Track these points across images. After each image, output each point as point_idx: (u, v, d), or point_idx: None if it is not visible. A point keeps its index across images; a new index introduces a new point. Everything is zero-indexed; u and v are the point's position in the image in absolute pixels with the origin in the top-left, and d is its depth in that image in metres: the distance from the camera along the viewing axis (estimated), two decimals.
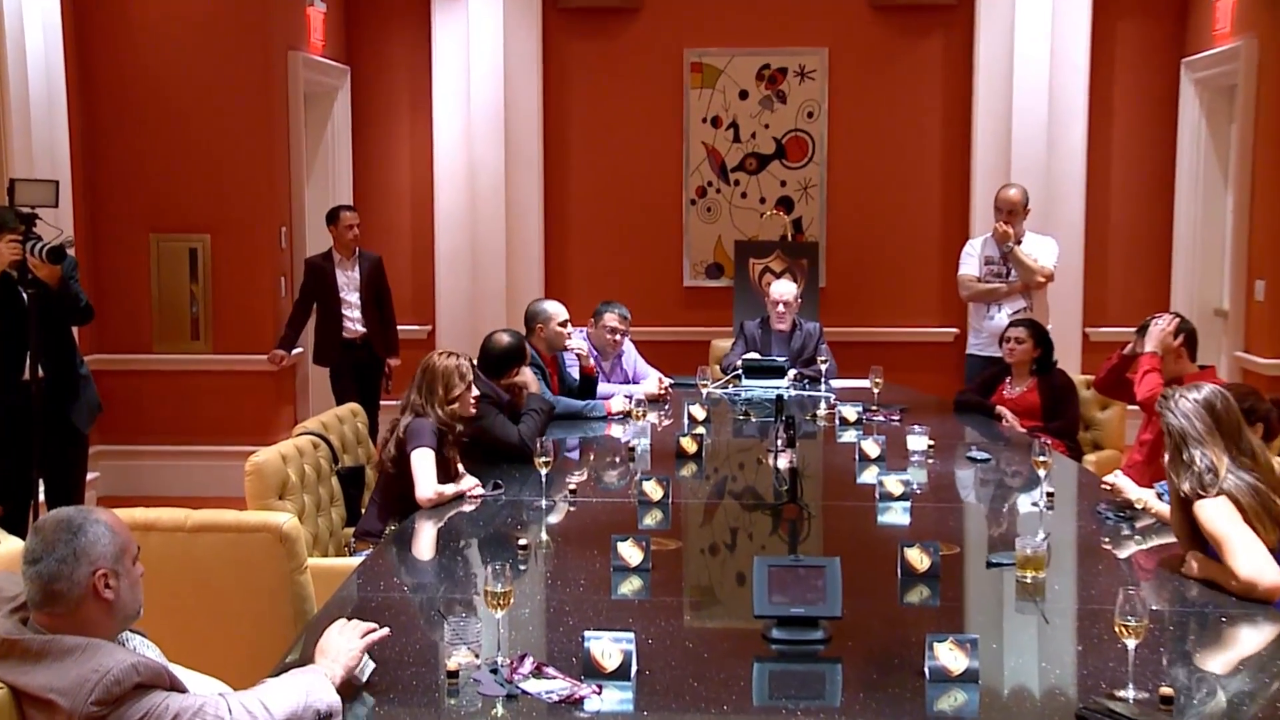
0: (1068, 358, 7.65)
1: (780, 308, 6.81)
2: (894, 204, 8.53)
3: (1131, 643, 2.51)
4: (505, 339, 5.01)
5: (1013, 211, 6.56)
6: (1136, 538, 3.70)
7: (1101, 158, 8.37)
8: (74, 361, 5.14)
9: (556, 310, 5.85)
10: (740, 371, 6.54)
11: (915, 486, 4.24)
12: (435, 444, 4.15)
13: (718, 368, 6.90)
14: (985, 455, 4.84)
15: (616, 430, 5.50)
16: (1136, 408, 5.17)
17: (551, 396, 5.57)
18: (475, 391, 4.40)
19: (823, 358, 6.58)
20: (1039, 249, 6.63)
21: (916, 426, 4.87)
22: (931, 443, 4.85)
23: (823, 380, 6.52)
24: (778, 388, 6.27)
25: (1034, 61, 8.00)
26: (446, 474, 4.21)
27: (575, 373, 6.03)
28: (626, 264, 8.61)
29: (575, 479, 4.52)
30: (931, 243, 8.53)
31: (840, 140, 8.54)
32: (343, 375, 7.15)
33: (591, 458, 5.09)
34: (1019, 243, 6.59)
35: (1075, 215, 8.15)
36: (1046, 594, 3.14)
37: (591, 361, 5.99)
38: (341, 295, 7.12)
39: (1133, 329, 5.26)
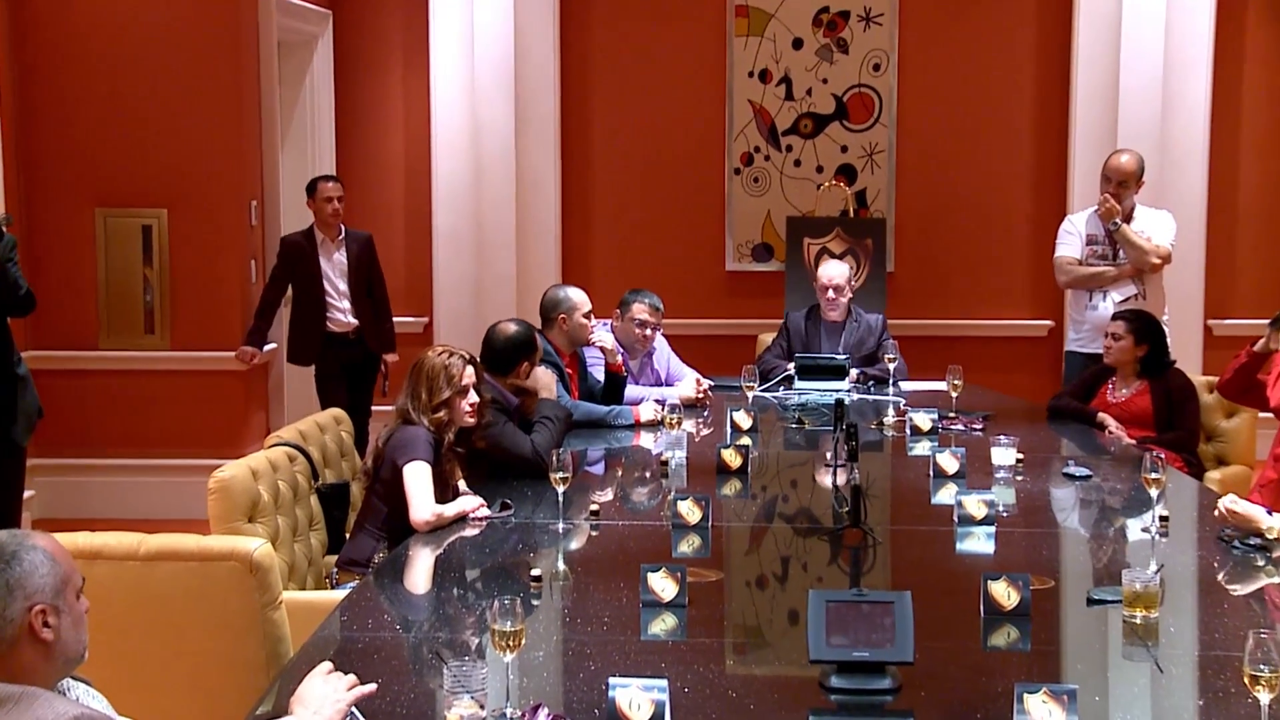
0: (1186, 355, 7.59)
1: (830, 294, 6.80)
2: (977, 173, 8.49)
3: (1265, 696, 2.49)
4: (511, 328, 5.03)
5: (1123, 182, 6.52)
6: (1269, 570, 3.66)
7: (1228, 118, 8.31)
8: (10, 359, 5.17)
9: (580, 299, 5.86)
10: (792, 372, 6.54)
11: (1001, 508, 4.22)
12: (432, 457, 4.16)
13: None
14: (1085, 471, 4.81)
15: (646, 440, 5.50)
16: (1270, 415, 5.12)
17: (571, 401, 5.59)
18: (473, 397, 4.40)
19: (890, 355, 6.56)
20: (1152, 225, 6.59)
21: (1003, 437, 4.85)
22: (1020, 456, 4.83)
23: (890, 382, 6.51)
24: (837, 391, 6.26)
25: (1146, 1, 7.95)
26: (445, 492, 4.22)
27: (599, 373, 6.04)
28: (658, 245, 8.61)
29: (598, 498, 4.52)
30: (1022, 219, 8.49)
31: (912, 97, 8.51)
32: (330, 375, 7.21)
33: (619, 473, 5.10)
34: (1128, 219, 6.55)
35: (1196, 186, 8.09)
36: (1160, 637, 3.12)
37: (620, 359, 5.99)
38: (326, 282, 7.17)
39: (1264, 321, 5.22)
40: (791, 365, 6.64)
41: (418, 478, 4.10)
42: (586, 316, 5.86)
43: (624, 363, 6.14)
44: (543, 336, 5.73)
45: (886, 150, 8.52)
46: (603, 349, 5.94)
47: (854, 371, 6.58)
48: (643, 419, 5.68)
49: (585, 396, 5.86)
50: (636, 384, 6.25)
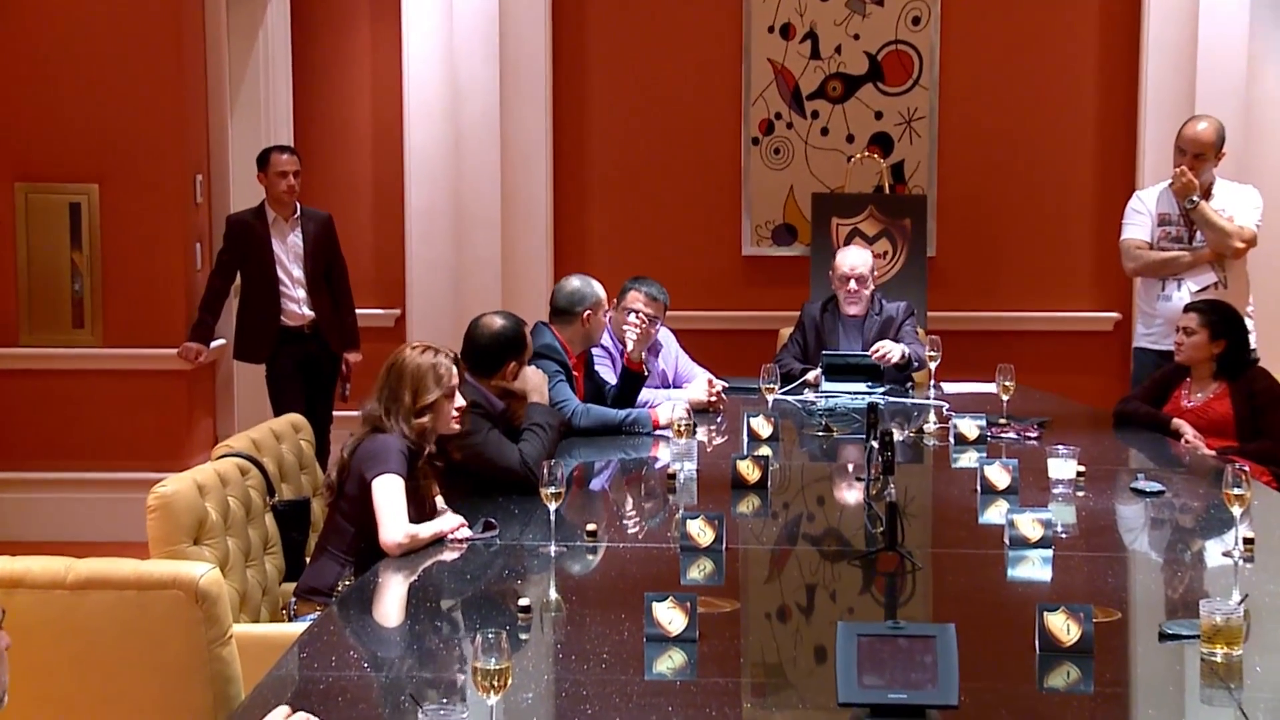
0: (1274, 353, 7.58)
1: (851, 284, 6.81)
2: (1032, 142, 8.50)
3: None
4: (498, 322, 5.03)
5: (1201, 154, 6.52)
6: None
7: None
8: None
9: (604, 293, 5.91)
10: (818, 371, 6.56)
11: (1059, 529, 4.23)
12: (406, 469, 4.16)
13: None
14: (1157, 486, 4.81)
15: (655, 450, 5.53)
16: None
17: (580, 405, 5.63)
18: (459, 401, 4.41)
19: (914, 342, 6.57)
20: (1235, 203, 6.59)
21: (1061, 447, 4.85)
22: (1082, 469, 4.83)
23: (911, 365, 6.55)
24: (870, 393, 6.26)
25: None
26: (420, 510, 4.22)
27: (608, 373, 6.06)
28: (665, 226, 8.62)
29: (595, 517, 4.52)
30: (1085, 195, 8.49)
31: (957, 55, 8.52)
32: (285, 376, 7.23)
33: (620, 489, 5.11)
34: (1206, 195, 6.55)
35: None
36: (1244, 678, 3.11)
37: (635, 351, 5.95)
38: (279, 268, 7.20)
39: None
40: (802, 368, 6.66)
41: (389, 493, 4.10)
42: (607, 313, 5.91)
43: (612, 360, 6.14)
44: (550, 330, 5.74)
45: (927, 116, 8.52)
46: (623, 335, 5.96)
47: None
48: (662, 422, 5.70)
49: (591, 398, 5.88)
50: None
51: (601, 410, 5.74)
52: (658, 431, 5.71)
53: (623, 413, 5.76)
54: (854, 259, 6.86)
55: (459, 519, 4.23)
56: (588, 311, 5.81)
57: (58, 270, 7.35)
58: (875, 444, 4.44)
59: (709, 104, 8.60)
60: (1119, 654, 3.31)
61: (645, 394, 6.11)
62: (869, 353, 6.53)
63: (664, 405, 5.78)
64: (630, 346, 5.97)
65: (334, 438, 7.22)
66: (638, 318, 6.08)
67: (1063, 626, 3.20)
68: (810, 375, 6.60)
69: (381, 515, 4.07)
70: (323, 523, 4.45)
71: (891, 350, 6.52)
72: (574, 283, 5.91)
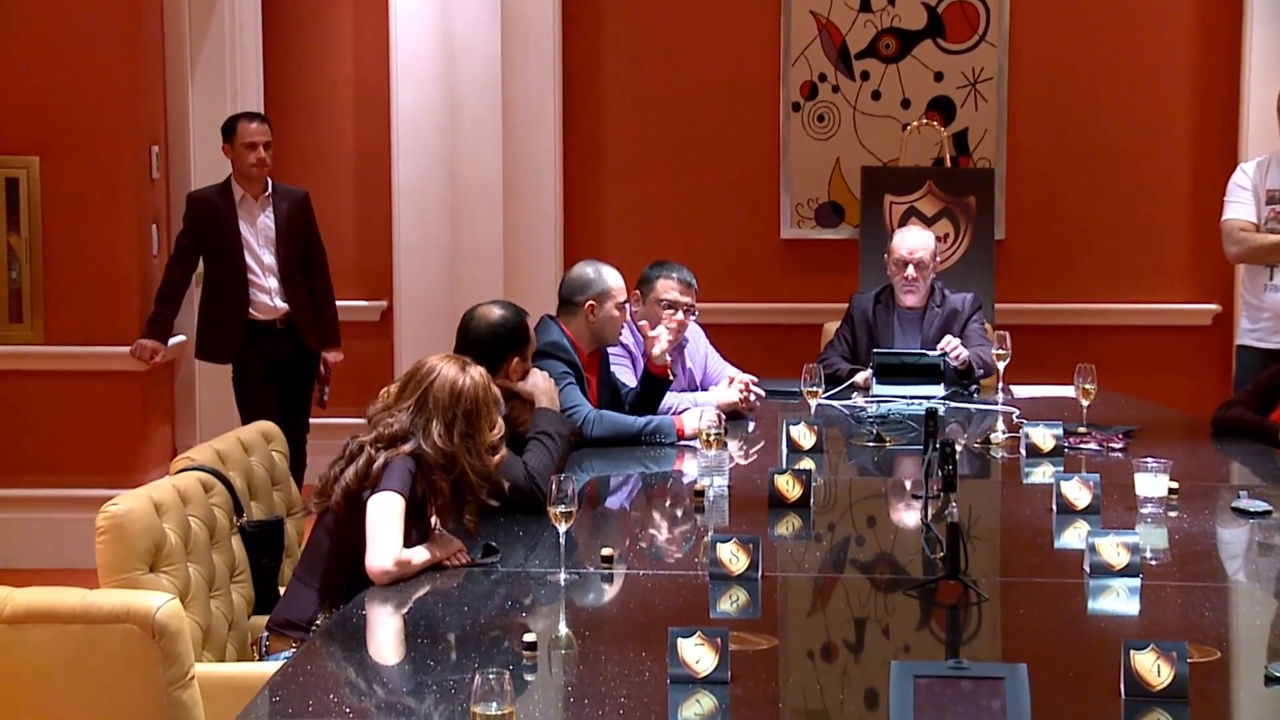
0: None
1: (909, 271, 6.82)
2: (1116, 107, 8.49)
3: None
4: (496, 313, 5.05)
5: None
6: None
7: None
8: None
9: (618, 285, 5.88)
10: (869, 372, 6.57)
11: (1149, 554, 4.22)
12: (409, 488, 4.18)
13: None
14: (1263, 506, 4.79)
15: (679, 463, 5.53)
16: None
17: (594, 412, 5.64)
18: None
19: (982, 343, 6.56)
20: None
21: (1151, 460, 4.83)
22: (1175, 485, 4.82)
23: (975, 371, 6.55)
24: (929, 397, 6.27)
25: None
26: (412, 534, 4.21)
27: (626, 375, 6.08)
28: (691, 205, 8.63)
29: (612, 540, 4.52)
30: (1178, 170, 8.48)
31: (1031, 7, 8.51)
32: (254, 378, 7.25)
33: (645, 504, 5.12)
34: None
35: None
36: None
37: (661, 352, 5.94)
38: (248, 253, 7.22)
39: None
40: (850, 368, 6.68)
41: (384, 513, 4.10)
42: (620, 308, 5.88)
43: (632, 361, 6.15)
44: (557, 325, 5.75)
45: (995, 78, 8.52)
46: (642, 327, 5.94)
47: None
48: (687, 431, 5.70)
49: (606, 404, 5.89)
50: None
51: (617, 417, 5.74)
52: (682, 442, 5.71)
53: (642, 420, 5.75)
54: (914, 241, 6.87)
55: (456, 543, 4.24)
56: (590, 302, 5.79)
57: None
58: (934, 456, 4.43)
59: (742, 64, 8.61)
60: (1218, 700, 3.30)
61: (669, 398, 6.11)
62: (932, 351, 6.53)
63: (690, 411, 5.79)
64: (657, 348, 5.92)
65: (311, 448, 7.23)
66: (675, 311, 6.08)
67: (1152, 668, 3.19)
68: (860, 376, 6.60)
69: (372, 536, 4.07)
70: (299, 546, 4.46)
71: (961, 347, 6.53)
72: (578, 270, 5.92)
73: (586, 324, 5.81)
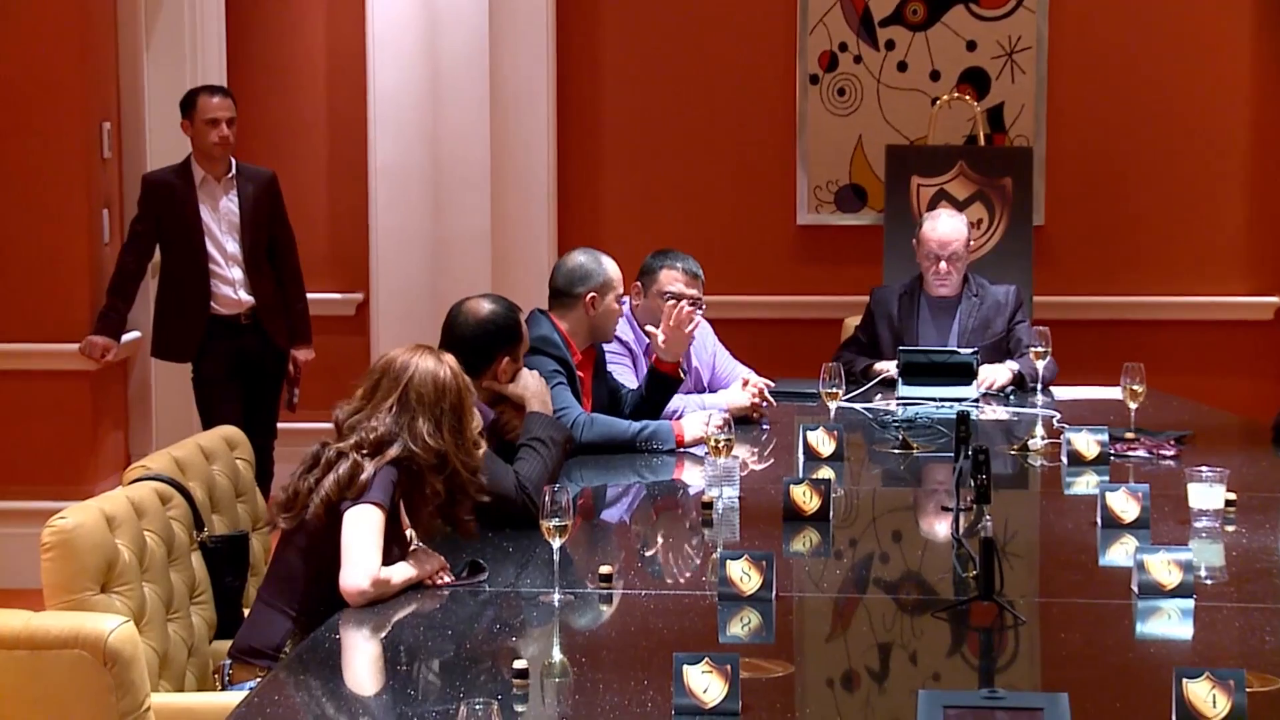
0: None
1: (942, 265, 6.82)
2: (1168, 80, 8.49)
3: None
4: (485, 308, 5.04)
5: None
6: None
7: None
8: None
9: (618, 271, 5.87)
10: (892, 372, 6.57)
11: (1203, 573, 4.22)
12: (390, 500, 4.17)
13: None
14: None
15: (693, 473, 5.51)
16: None
17: (585, 415, 5.63)
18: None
19: (1037, 345, 6.56)
20: None
21: (1205, 468, 4.83)
22: (1232, 497, 4.82)
23: (1038, 387, 6.52)
24: (961, 400, 6.26)
25: None
26: (393, 547, 4.21)
27: (625, 375, 6.07)
28: (697, 188, 8.63)
29: (611, 557, 4.51)
30: (1237, 149, 8.49)
31: None
32: (217, 379, 7.24)
33: (647, 517, 5.11)
34: None
35: None
36: None
37: (668, 347, 5.91)
38: (210, 241, 7.22)
39: None
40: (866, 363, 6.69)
41: (362, 527, 4.09)
42: (621, 299, 5.89)
43: (634, 359, 6.14)
44: (548, 319, 5.74)
45: (1034, 47, 8.51)
46: (649, 332, 5.92)
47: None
48: (687, 438, 5.69)
49: (602, 407, 5.88)
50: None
51: (610, 421, 5.72)
52: (682, 450, 5.70)
53: (638, 425, 5.74)
54: (945, 229, 6.86)
55: (439, 560, 4.23)
56: (591, 294, 5.77)
57: None
58: (966, 464, 4.42)
59: (755, 33, 8.62)
60: None
61: (679, 401, 6.11)
62: (965, 348, 6.54)
63: (691, 415, 5.79)
64: (665, 344, 5.87)
65: (279, 455, 7.23)
66: (683, 303, 6.07)
67: (1207, 697, 3.18)
68: (885, 366, 6.60)
69: (347, 552, 4.06)
70: (266, 564, 4.45)
71: (998, 376, 6.55)
72: (574, 259, 5.89)
73: (585, 318, 5.79)
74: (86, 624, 3.42)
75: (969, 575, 4.03)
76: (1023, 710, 2.80)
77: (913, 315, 6.87)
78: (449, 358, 4.39)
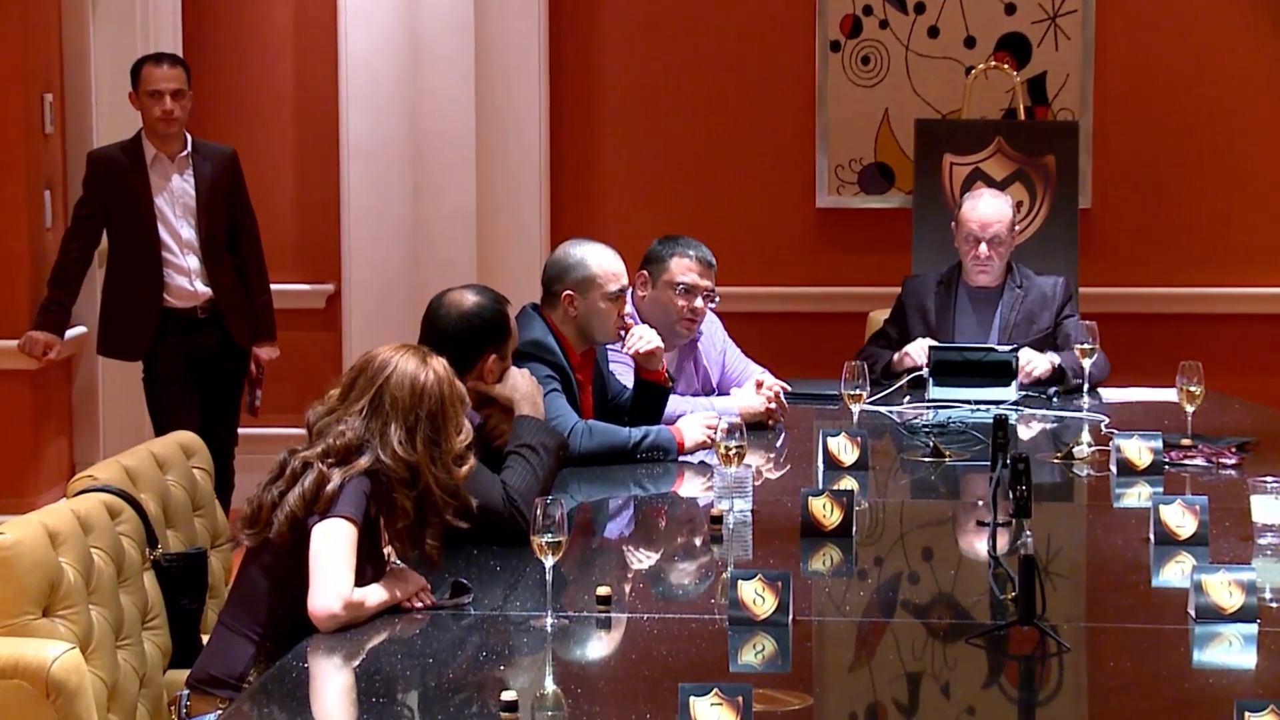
0: None
1: (982, 249, 6.82)
2: (1228, 49, 8.50)
3: None
4: (469, 300, 5.04)
5: None
6: None
7: None
8: None
9: (606, 266, 5.82)
10: (922, 371, 6.58)
11: (1268, 595, 4.22)
12: (362, 514, 4.16)
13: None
14: None
15: (694, 484, 5.53)
16: None
17: (580, 423, 5.63)
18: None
19: (1083, 341, 6.54)
20: None
21: (1271, 479, 4.82)
22: None
23: (1084, 386, 6.52)
24: (998, 402, 6.27)
25: None
26: (366, 566, 4.19)
27: (628, 376, 6.07)
28: (706, 167, 8.66)
29: (610, 576, 4.51)
30: None
31: None
32: (171, 378, 7.26)
33: (650, 532, 5.13)
34: None
35: None
36: None
37: (650, 349, 5.90)
38: (162, 226, 7.23)
39: None
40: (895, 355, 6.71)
41: (332, 544, 4.09)
42: (614, 298, 5.81)
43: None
44: (542, 319, 5.73)
45: (1079, 10, 8.54)
46: (636, 354, 5.87)
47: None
48: (688, 443, 5.71)
49: (601, 413, 5.89)
50: (674, 390, 6.22)
51: (608, 429, 5.71)
52: (684, 458, 5.70)
53: (638, 432, 5.74)
54: (986, 211, 6.87)
55: (419, 580, 4.23)
56: (566, 292, 5.75)
57: None
58: (1005, 474, 4.41)
59: None
60: None
61: (679, 403, 6.11)
62: (1003, 345, 6.53)
63: (688, 418, 5.80)
64: (641, 348, 5.83)
65: (240, 464, 7.26)
66: (695, 298, 6.05)
67: None
68: (910, 351, 6.62)
69: (316, 572, 4.06)
70: (226, 584, 4.44)
71: (1038, 363, 6.52)
72: (562, 248, 5.92)
73: (568, 317, 5.79)
74: (27, 651, 3.45)
75: (1007, 597, 4.03)
76: None
77: (949, 307, 6.86)
78: (439, 361, 4.37)
